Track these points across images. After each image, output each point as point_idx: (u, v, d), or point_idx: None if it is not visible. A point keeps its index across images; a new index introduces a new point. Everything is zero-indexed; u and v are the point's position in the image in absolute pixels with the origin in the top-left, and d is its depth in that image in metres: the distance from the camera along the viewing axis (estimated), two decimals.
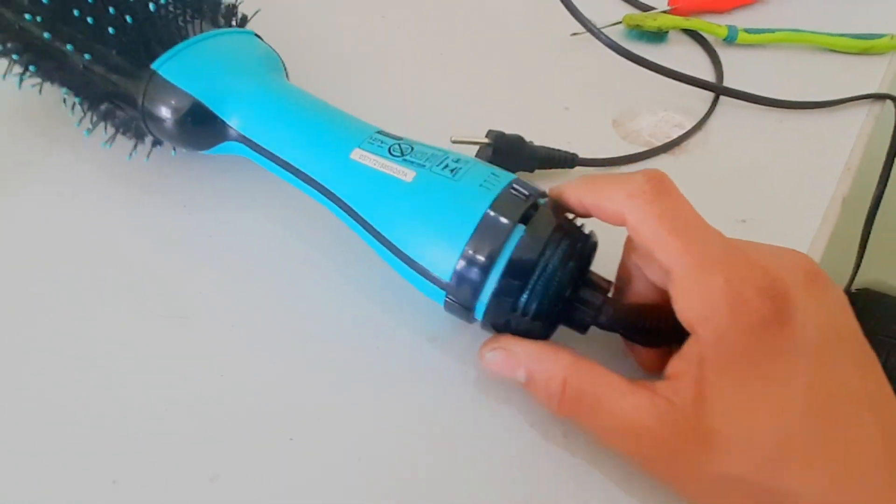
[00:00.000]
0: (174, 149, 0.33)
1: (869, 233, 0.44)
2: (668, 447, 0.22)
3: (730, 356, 0.21)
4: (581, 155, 0.36)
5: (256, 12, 0.36)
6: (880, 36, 0.44)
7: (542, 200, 0.26)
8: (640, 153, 0.38)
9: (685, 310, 0.22)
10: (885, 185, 0.41)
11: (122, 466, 0.24)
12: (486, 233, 0.24)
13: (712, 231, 0.23)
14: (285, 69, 0.34)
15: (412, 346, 0.29)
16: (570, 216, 0.26)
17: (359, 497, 0.24)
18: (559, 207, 0.26)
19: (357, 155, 0.27)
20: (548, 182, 0.36)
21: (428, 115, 0.39)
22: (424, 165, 0.26)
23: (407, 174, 0.26)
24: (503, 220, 0.24)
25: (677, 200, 0.23)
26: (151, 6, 0.30)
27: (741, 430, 0.21)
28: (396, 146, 0.27)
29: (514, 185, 0.25)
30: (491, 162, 0.34)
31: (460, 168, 0.26)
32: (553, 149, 0.36)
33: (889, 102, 0.41)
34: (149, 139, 0.32)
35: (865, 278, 1.13)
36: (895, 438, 0.21)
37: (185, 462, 0.25)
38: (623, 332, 0.26)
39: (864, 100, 0.41)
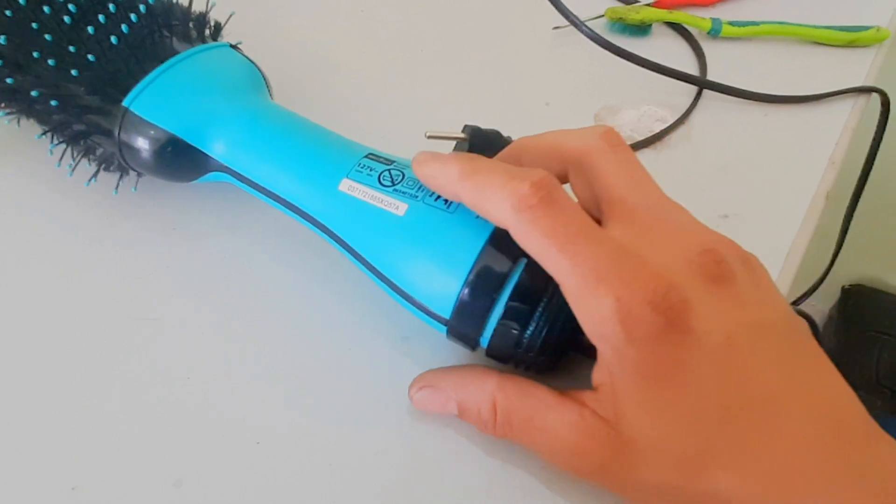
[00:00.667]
0: (135, 186, 0.31)
1: (848, 227, 0.45)
2: (599, 460, 0.22)
3: (634, 370, 0.21)
4: None
5: (231, 16, 0.34)
6: (866, 28, 0.44)
7: None
8: None
9: (584, 326, 0.22)
10: (867, 179, 0.42)
11: (81, 472, 0.24)
12: (484, 270, 0.24)
13: (606, 240, 0.22)
14: (267, 82, 0.32)
15: (385, 347, 0.28)
16: None
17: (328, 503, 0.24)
18: None
19: (346, 186, 0.26)
20: None
21: (409, 111, 0.39)
22: (417, 196, 0.25)
23: (399, 207, 0.25)
24: (502, 255, 0.24)
25: (565, 210, 0.22)
26: (114, 39, 0.28)
27: (658, 439, 0.21)
28: (387, 174, 0.26)
29: None
30: None
31: None
32: None
33: (875, 95, 0.41)
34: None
35: (858, 273, 1.16)
36: (827, 425, 0.21)
37: (148, 467, 0.24)
38: None
39: (850, 93, 0.41)
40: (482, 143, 0.33)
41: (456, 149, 0.35)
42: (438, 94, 0.40)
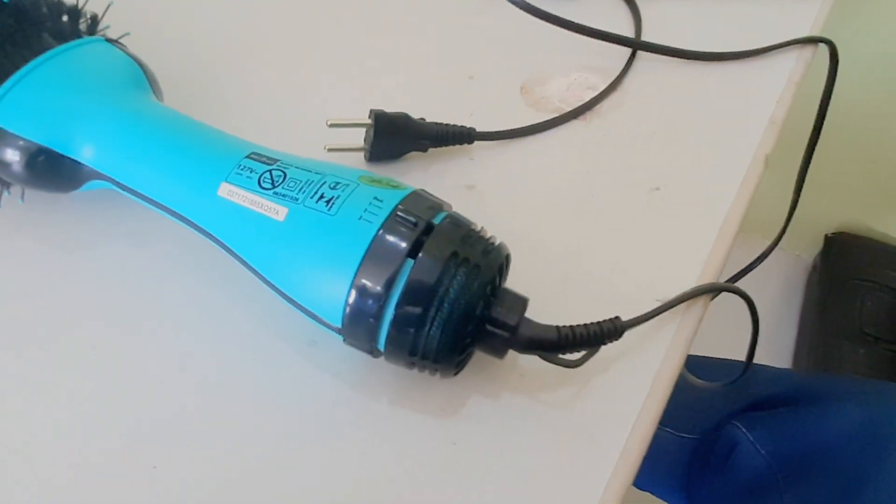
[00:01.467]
0: (22, 197, 0.29)
1: (802, 186, 0.43)
2: None
3: None
4: (483, 128, 0.34)
5: (109, 6, 0.31)
6: None
7: (438, 218, 0.24)
8: (546, 121, 0.35)
9: None
10: (819, 136, 0.40)
11: None
12: (369, 274, 0.22)
13: None
14: (151, 78, 0.30)
15: (292, 354, 0.27)
16: (477, 227, 0.24)
17: None
18: (459, 222, 0.24)
19: (225, 191, 0.24)
20: (445, 161, 0.35)
21: (314, 98, 0.36)
22: (297, 199, 0.23)
23: (279, 212, 0.23)
24: (387, 257, 0.22)
25: None
26: None
27: None
28: (267, 175, 0.24)
29: (400, 212, 0.23)
30: (375, 145, 0.32)
31: (338, 197, 0.23)
32: (445, 124, 0.33)
33: (822, 46, 0.39)
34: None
35: (841, 220, 1.15)
36: None
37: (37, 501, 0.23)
38: (542, 353, 0.25)
39: (793, 45, 0.39)
40: (388, 127, 0.31)
41: (366, 136, 0.33)
42: (346, 75, 0.38)
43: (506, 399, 0.26)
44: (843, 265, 1.12)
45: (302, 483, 0.24)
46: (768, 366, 0.76)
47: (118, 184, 0.26)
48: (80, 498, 0.24)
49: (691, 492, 0.62)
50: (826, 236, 1.17)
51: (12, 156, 0.26)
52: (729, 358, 0.63)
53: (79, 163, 0.26)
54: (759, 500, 0.53)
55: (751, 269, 0.48)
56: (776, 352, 1.10)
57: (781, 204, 0.47)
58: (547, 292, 0.27)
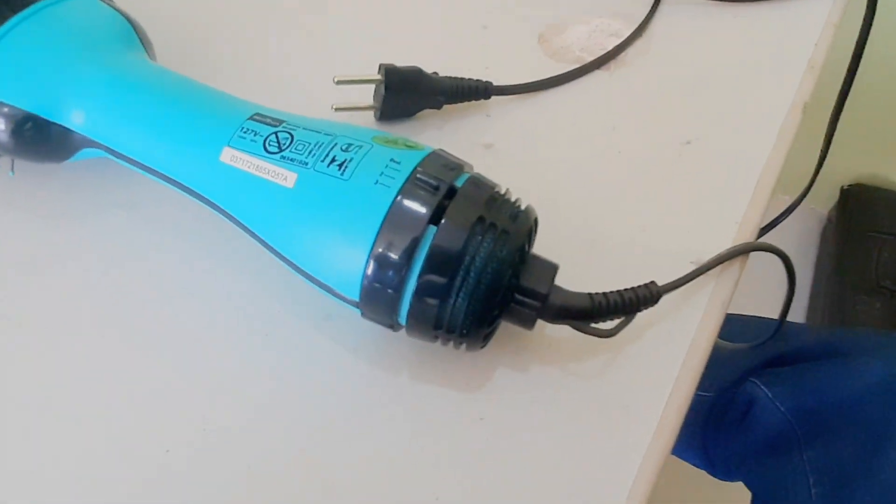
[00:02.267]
0: (12, 169, 0.27)
1: (832, 136, 0.40)
2: None
3: None
4: (500, 81, 0.31)
5: None
6: None
7: (461, 180, 0.22)
8: (568, 73, 0.33)
9: None
10: (853, 80, 0.37)
11: None
12: (388, 243, 0.20)
13: None
14: (143, 36, 0.28)
15: (306, 329, 0.26)
16: (502, 190, 0.23)
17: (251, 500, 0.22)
18: (484, 184, 0.22)
19: (228, 156, 0.22)
20: (461, 118, 0.33)
21: (321, 52, 0.34)
22: (307, 163, 0.21)
23: (287, 178, 0.21)
24: (407, 224, 0.20)
25: None
26: None
27: None
28: (273, 137, 0.22)
29: (419, 175, 0.21)
30: (386, 103, 0.30)
31: (351, 159, 0.21)
32: (460, 78, 0.31)
33: None
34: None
35: (857, 172, 1.11)
36: None
37: (32, 491, 0.22)
38: (574, 323, 0.23)
39: None
40: (400, 84, 0.29)
41: (375, 94, 0.30)
42: (352, 28, 0.35)
43: (534, 371, 0.25)
44: (860, 218, 1.09)
45: (319, 463, 0.23)
46: (786, 321, 0.74)
47: (112, 151, 0.24)
48: (89, 483, 0.22)
49: (708, 449, 0.62)
50: (842, 188, 1.14)
51: None
52: (742, 314, 0.61)
53: (69, 130, 0.24)
54: (779, 457, 0.53)
55: (775, 225, 0.45)
56: (791, 309, 1.09)
57: (801, 154, 0.44)
58: (573, 257, 0.25)
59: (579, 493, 0.23)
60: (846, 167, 1.12)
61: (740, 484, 0.58)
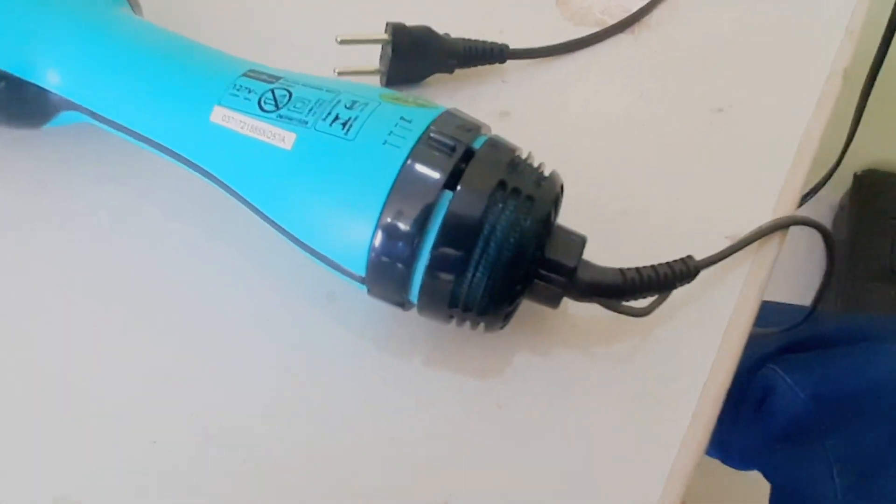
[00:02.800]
0: None
1: (864, 107, 0.38)
2: None
3: None
4: (515, 45, 0.29)
5: None
6: None
7: (478, 142, 0.20)
8: (588, 36, 0.31)
9: None
10: (887, 51, 0.35)
11: None
12: (398, 211, 0.18)
13: None
14: None
15: (308, 309, 0.23)
16: (523, 154, 0.20)
17: (250, 497, 0.20)
18: (504, 146, 0.20)
19: (219, 115, 0.20)
20: (475, 84, 0.30)
21: (319, 11, 0.31)
22: (307, 122, 0.19)
23: (285, 139, 0.19)
24: (420, 189, 0.18)
25: None
26: None
27: None
28: (269, 95, 0.20)
29: (433, 134, 0.19)
30: (393, 66, 0.27)
31: (356, 118, 0.19)
32: (475, 40, 0.28)
33: None
34: None
35: (871, 158, 1.09)
36: None
37: (18, 484, 0.20)
38: (604, 301, 0.21)
39: None
40: (409, 44, 0.27)
41: (381, 55, 0.28)
42: None
43: (556, 354, 0.23)
44: (874, 204, 1.07)
45: (321, 455, 0.21)
46: (804, 306, 0.72)
47: (93, 114, 0.22)
48: (75, 471, 0.20)
49: (722, 437, 0.60)
50: (855, 175, 1.12)
51: None
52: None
53: (45, 90, 0.22)
54: (799, 446, 0.51)
55: (807, 199, 0.43)
56: (800, 293, 1.07)
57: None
58: (598, 231, 0.23)
59: (606, 490, 0.21)
60: (858, 153, 1.10)
61: (755, 473, 0.56)
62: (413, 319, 0.22)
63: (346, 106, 0.19)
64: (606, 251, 0.22)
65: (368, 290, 0.20)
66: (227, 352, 0.23)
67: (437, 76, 0.29)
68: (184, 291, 0.24)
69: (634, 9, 0.32)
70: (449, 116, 0.20)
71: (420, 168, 0.18)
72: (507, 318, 0.20)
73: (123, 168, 0.26)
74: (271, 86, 0.20)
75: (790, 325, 0.48)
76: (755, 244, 0.25)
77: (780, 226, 0.25)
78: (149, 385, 0.22)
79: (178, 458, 0.21)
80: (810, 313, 0.34)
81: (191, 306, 0.23)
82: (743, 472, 0.59)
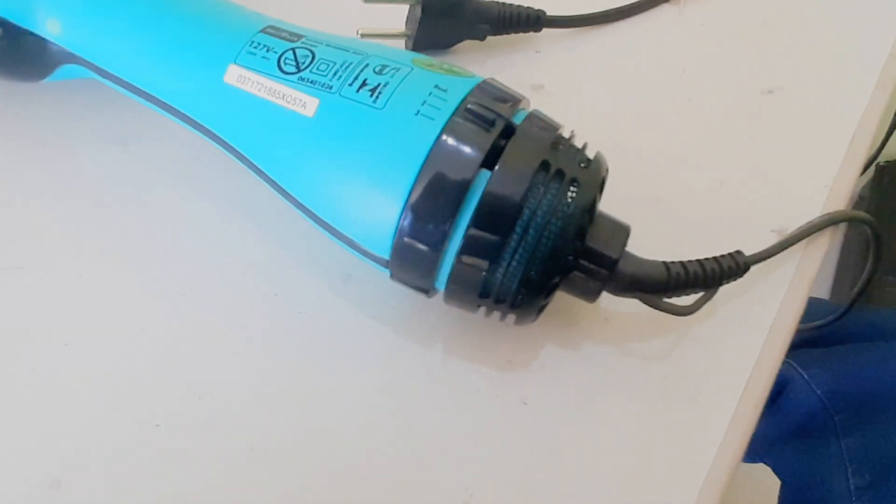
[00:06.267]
0: None
1: None
2: None
3: None
4: (552, 12, 0.27)
5: None
6: None
7: (518, 116, 0.18)
8: (630, 5, 0.28)
9: None
10: None
11: None
12: (430, 189, 0.16)
13: None
14: None
15: (322, 290, 0.22)
16: (566, 133, 0.18)
17: (258, 486, 0.19)
18: (547, 123, 0.18)
19: (233, 76, 0.18)
20: (507, 53, 0.28)
21: None
22: (331, 87, 0.17)
23: (307, 104, 0.17)
24: (455, 166, 0.16)
25: None
26: None
27: None
28: (290, 54, 0.18)
29: (470, 106, 0.17)
30: (422, 29, 0.25)
31: (386, 84, 0.17)
32: (510, 4, 0.26)
33: None
34: None
35: (892, 149, 1.05)
36: None
37: (18, 465, 0.19)
38: (645, 297, 0.19)
39: None
40: (440, 5, 0.25)
41: (408, 17, 0.26)
42: None
43: (587, 349, 0.21)
44: (895, 196, 1.04)
45: (334, 447, 0.20)
46: (821, 299, 0.70)
47: (96, 69, 0.20)
48: (78, 461, 0.19)
49: None
50: (877, 165, 1.09)
51: None
52: None
53: (44, 40, 0.20)
54: (812, 443, 0.50)
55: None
56: (814, 286, 1.05)
57: None
58: (636, 217, 0.21)
59: (635, 496, 0.19)
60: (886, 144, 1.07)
61: (762, 466, 0.55)
62: (434, 305, 0.21)
63: (375, 70, 0.17)
64: (643, 239, 0.20)
65: (391, 274, 0.19)
66: (233, 333, 0.21)
67: (468, 42, 0.27)
68: (190, 267, 0.22)
69: None
70: (487, 87, 0.18)
71: (456, 143, 0.16)
72: (540, 311, 0.19)
73: (129, 129, 0.24)
74: (292, 44, 0.18)
75: (816, 319, 0.46)
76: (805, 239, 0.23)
77: (833, 221, 0.23)
78: (154, 365, 0.21)
79: (185, 443, 0.19)
80: (847, 310, 0.32)
81: (196, 284, 0.22)
82: (750, 465, 0.58)
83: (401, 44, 0.27)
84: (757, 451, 0.57)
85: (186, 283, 0.22)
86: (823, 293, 1.04)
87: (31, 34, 0.20)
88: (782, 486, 0.50)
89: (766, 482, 0.51)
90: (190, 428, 0.20)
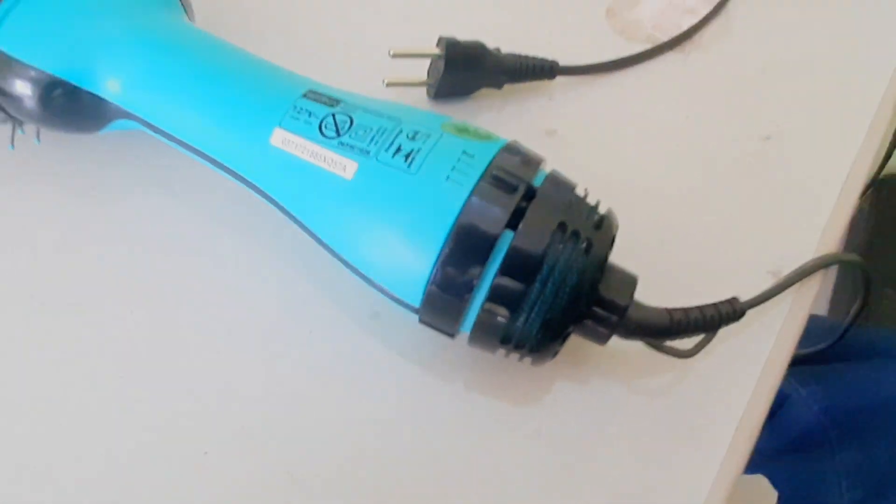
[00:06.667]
0: (38, 138, 0.25)
1: None
2: None
3: None
4: (564, 61, 0.29)
5: None
6: None
7: (538, 178, 0.20)
8: (637, 54, 0.30)
9: None
10: None
11: None
12: (460, 248, 0.18)
13: None
14: None
15: (351, 327, 0.24)
16: (581, 192, 0.20)
17: None
18: (563, 184, 0.20)
19: (279, 139, 0.20)
20: (522, 100, 0.30)
21: (373, 25, 0.31)
22: (369, 152, 0.19)
23: (346, 168, 0.19)
24: (482, 227, 0.18)
25: None
26: None
27: None
28: (330, 119, 0.20)
29: (495, 172, 0.19)
30: (444, 80, 0.27)
31: (419, 150, 0.19)
32: (525, 56, 0.28)
33: None
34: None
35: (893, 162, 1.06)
36: None
37: (78, 492, 0.21)
38: (650, 340, 0.21)
39: None
40: (461, 59, 0.27)
41: (431, 68, 0.28)
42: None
43: (596, 385, 0.23)
44: (894, 210, 1.06)
45: (358, 474, 0.21)
46: (819, 315, 0.72)
47: (149, 125, 0.22)
48: (123, 488, 0.21)
49: None
50: (878, 180, 1.10)
51: (22, 88, 0.21)
52: None
53: (102, 98, 0.22)
54: (809, 457, 0.51)
55: None
56: (813, 305, 1.06)
57: None
58: (639, 261, 0.23)
59: None
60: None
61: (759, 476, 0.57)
62: (457, 343, 0.23)
63: (408, 136, 0.19)
64: (646, 281, 0.22)
65: (420, 319, 0.20)
66: (269, 361, 0.23)
67: (485, 90, 0.29)
68: (226, 302, 0.24)
69: (686, 25, 0.31)
70: (510, 150, 0.20)
71: (483, 206, 0.18)
72: (555, 354, 0.20)
73: (175, 175, 0.26)
74: (332, 110, 0.20)
75: (814, 336, 0.48)
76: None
77: (825, 264, 0.25)
78: (194, 393, 0.22)
79: (226, 468, 0.21)
80: (841, 336, 0.34)
81: (232, 317, 0.24)
82: (747, 476, 0.60)
83: (422, 91, 0.29)
84: (756, 462, 0.58)
85: (225, 317, 0.24)
86: (822, 308, 1.05)
87: (89, 93, 0.22)
88: (780, 499, 0.52)
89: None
90: (234, 455, 0.22)
